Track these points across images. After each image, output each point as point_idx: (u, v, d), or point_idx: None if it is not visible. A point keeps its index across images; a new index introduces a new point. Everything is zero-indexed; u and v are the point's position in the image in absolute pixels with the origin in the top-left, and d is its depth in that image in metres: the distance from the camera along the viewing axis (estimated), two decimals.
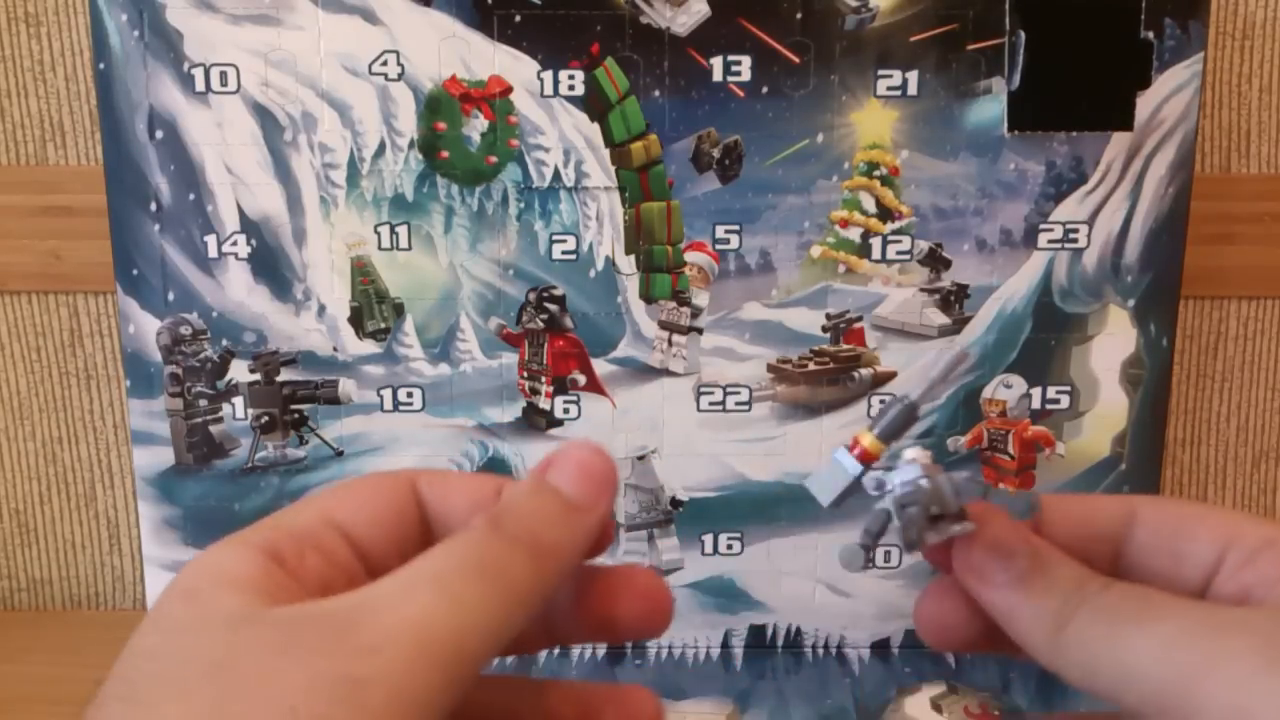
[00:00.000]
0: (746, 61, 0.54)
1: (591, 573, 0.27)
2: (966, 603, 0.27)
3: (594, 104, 0.55)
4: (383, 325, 0.58)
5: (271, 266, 0.57)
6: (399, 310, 0.57)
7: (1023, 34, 0.54)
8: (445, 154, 0.56)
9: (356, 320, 0.58)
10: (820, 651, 0.61)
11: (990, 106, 0.55)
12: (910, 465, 0.27)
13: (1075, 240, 0.57)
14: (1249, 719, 0.21)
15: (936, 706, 0.56)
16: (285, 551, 0.23)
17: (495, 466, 0.59)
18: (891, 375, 0.58)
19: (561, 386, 0.58)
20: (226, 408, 0.58)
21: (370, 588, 0.22)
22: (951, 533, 0.26)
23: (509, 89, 0.55)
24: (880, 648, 0.62)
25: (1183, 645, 0.22)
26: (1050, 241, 0.57)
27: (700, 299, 0.57)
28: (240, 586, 0.22)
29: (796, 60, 0.54)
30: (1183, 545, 0.26)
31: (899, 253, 0.57)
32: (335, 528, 0.25)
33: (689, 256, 0.57)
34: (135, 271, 0.57)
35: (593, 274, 0.57)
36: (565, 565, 0.24)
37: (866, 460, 0.27)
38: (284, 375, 0.58)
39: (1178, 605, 0.24)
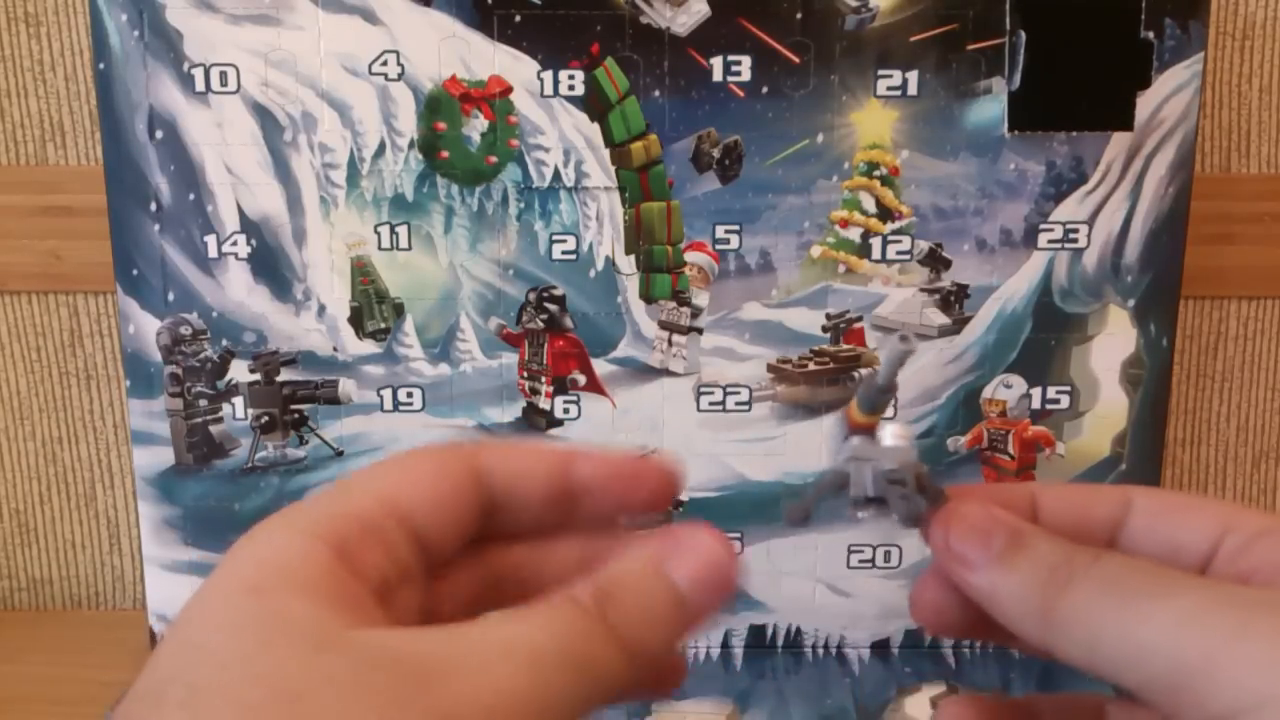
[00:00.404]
0: (746, 61, 0.54)
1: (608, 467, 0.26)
2: (959, 587, 0.26)
3: (594, 104, 0.55)
4: (383, 325, 0.58)
5: (271, 266, 0.57)
6: (399, 310, 0.57)
7: (1023, 34, 0.54)
8: (445, 154, 0.56)
9: (356, 320, 0.58)
10: (820, 651, 0.61)
11: (990, 106, 0.55)
12: (848, 444, 0.27)
13: (1075, 240, 0.57)
14: (1275, 702, 0.20)
15: (937, 706, 0.56)
16: (350, 545, 0.22)
17: None
18: None
19: (561, 386, 0.58)
20: (226, 408, 0.58)
21: (458, 636, 0.20)
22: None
23: (509, 89, 0.55)
24: (880, 648, 0.62)
25: (1201, 623, 0.21)
26: (1050, 241, 0.57)
27: (700, 299, 0.57)
28: (310, 591, 0.20)
29: (796, 60, 0.54)
30: (1178, 533, 0.25)
31: (899, 253, 0.57)
32: (398, 516, 0.23)
33: (689, 256, 0.57)
34: (135, 271, 0.57)
35: (593, 274, 0.57)
36: (656, 663, 0.23)
37: (855, 428, 0.27)
38: (284, 375, 0.58)
39: (1193, 580, 0.23)
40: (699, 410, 0.58)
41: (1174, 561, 0.25)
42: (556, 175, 0.56)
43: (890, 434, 0.27)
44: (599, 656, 0.21)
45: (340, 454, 0.59)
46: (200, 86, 0.55)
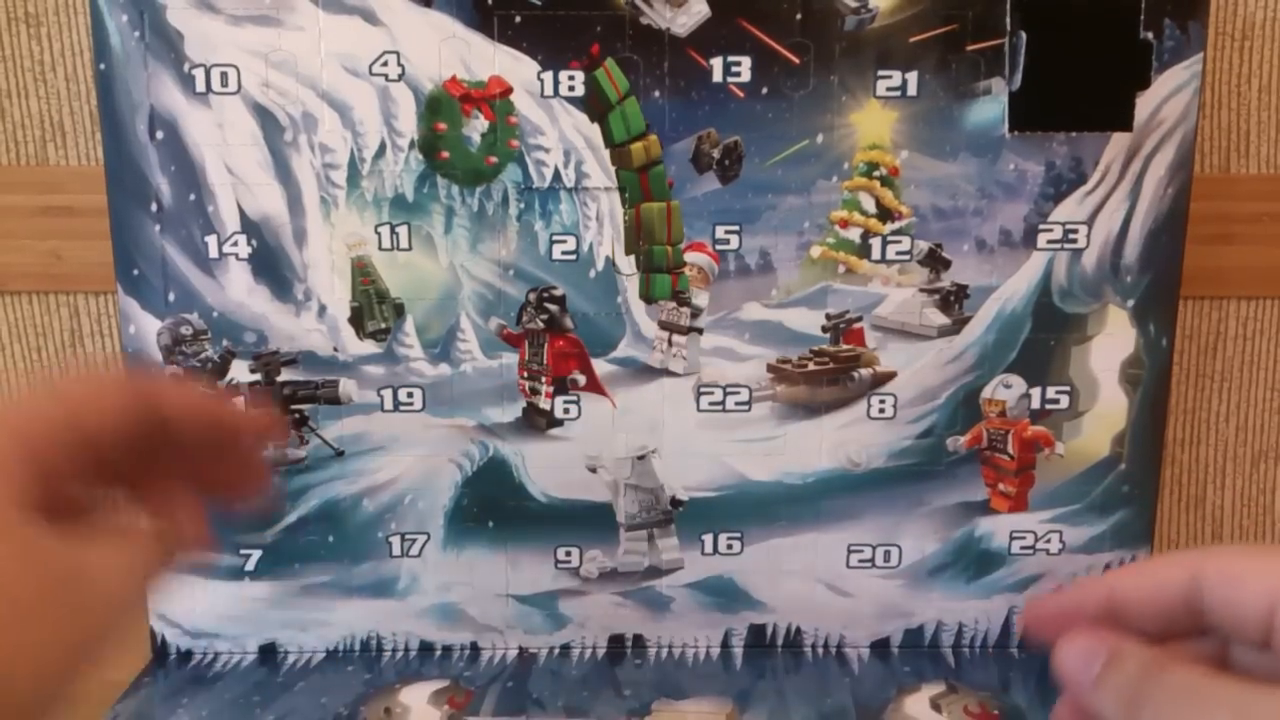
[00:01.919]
0: (746, 62, 0.54)
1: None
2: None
3: (594, 104, 0.55)
4: (383, 325, 0.58)
5: (272, 266, 0.57)
6: (399, 310, 0.57)
7: (1023, 34, 0.54)
8: (445, 154, 0.56)
9: (357, 320, 0.58)
10: (820, 651, 0.61)
11: (990, 107, 0.55)
12: None
13: (1075, 240, 0.57)
14: None
15: (936, 706, 0.56)
16: (39, 446, 0.28)
17: (495, 467, 0.59)
18: (891, 375, 0.58)
19: (561, 386, 0.58)
20: None
21: (93, 547, 0.28)
22: None
23: (509, 89, 0.55)
24: (880, 647, 0.62)
25: None
26: (1050, 242, 0.57)
27: (700, 299, 0.57)
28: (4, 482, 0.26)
29: (796, 61, 0.54)
30: (1238, 608, 0.27)
31: (899, 253, 0.57)
32: (83, 429, 0.29)
33: (689, 257, 0.57)
34: (136, 271, 0.57)
35: (593, 274, 0.57)
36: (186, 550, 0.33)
37: None
38: (284, 375, 0.58)
39: (1223, 694, 0.25)
40: (699, 410, 0.59)
41: (1245, 631, 0.27)
42: (556, 175, 0.56)
43: None
44: (161, 561, 0.31)
45: (340, 454, 0.59)
46: (201, 87, 0.55)
